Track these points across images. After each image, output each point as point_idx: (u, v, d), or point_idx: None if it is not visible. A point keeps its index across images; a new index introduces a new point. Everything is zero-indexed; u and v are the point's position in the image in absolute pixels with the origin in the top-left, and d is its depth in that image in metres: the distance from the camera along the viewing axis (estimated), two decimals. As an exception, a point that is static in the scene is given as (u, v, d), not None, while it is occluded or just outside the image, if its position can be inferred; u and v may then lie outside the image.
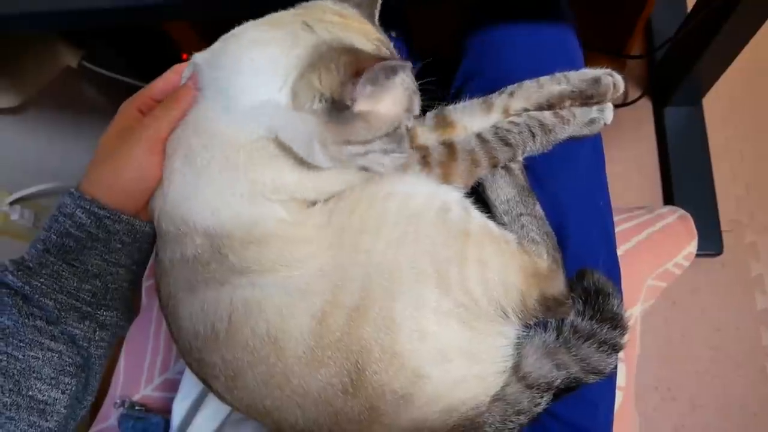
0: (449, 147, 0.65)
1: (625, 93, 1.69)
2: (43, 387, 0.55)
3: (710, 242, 1.53)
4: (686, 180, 1.58)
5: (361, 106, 0.52)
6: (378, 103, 0.54)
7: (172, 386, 0.86)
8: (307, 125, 0.53)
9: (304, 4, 0.59)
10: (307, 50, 0.53)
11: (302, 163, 0.56)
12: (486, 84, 0.71)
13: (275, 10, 0.58)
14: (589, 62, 0.72)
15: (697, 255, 0.98)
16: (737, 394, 1.47)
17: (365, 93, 0.52)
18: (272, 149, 0.56)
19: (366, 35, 0.56)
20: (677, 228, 0.94)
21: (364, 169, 0.59)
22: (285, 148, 0.55)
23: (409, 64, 0.50)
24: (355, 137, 0.54)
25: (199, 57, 0.60)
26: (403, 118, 0.56)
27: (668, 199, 1.59)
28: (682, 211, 0.97)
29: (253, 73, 0.54)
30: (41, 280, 0.56)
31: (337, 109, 0.52)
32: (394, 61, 0.49)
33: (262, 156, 0.56)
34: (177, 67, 0.62)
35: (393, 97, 0.55)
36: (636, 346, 0.88)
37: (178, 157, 0.58)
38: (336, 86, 0.51)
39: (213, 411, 0.76)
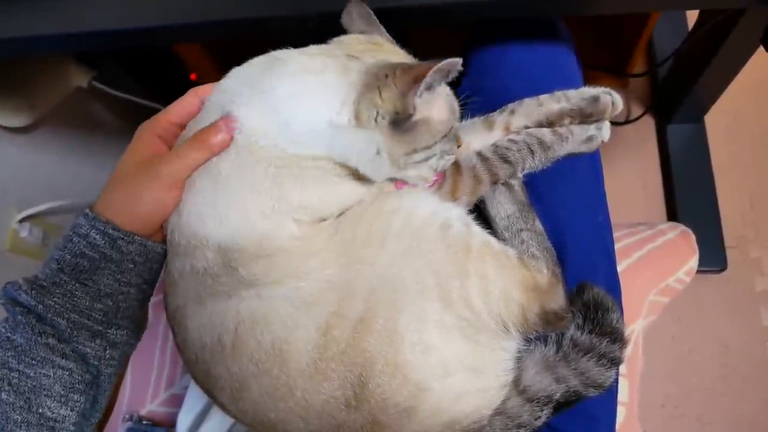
0: (454, 164, 0.67)
1: (628, 110, 1.70)
2: (53, 405, 0.55)
3: (715, 258, 1.53)
4: (690, 196, 1.59)
5: (419, 114, 0.56)
6: (431, 109, 0.58)
7: (177, 401, 0.86)
8: (373, 142, 0.56)
9: (336, 39, 0.63)
10: (359, 75, 0.56)
11: (329, 180, 0.59)
12: (485, 102, 0.72)
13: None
14: (591, 80, 0.73)
15: (702, 271, 0.99)
16: (746, 411, 1.46)
17: (422, 100, 0.55)
18: (304, 165, 0.58)
19: (402, 56, 0.62)
20: (678, 243, 0.95)
21: (421, 179, 0.63)
22: (336, 167, 0.58)
23: (458, 61, 0.53)
24: (420, 143, 0.58)
25: (229, 83, 0.61)
26: (452, 120, 0.60)
27: (672, 215, 1.60)
28: (683, 227, 0.98)
29: (310, 97, 0.57)
30: (55, 299, 0.56)
31: (400, 121, 0.56)
32: (448, 60, 0.52)
33: (293, 175, 0.58)
34: (196, 90, 0.63)
35: (441, 102, 0.59)
36: (639, 362, 0.88)
37: (199, 176, 0.59)
38: (397, 98, 0.54)
39: (217, 423, 0.76)
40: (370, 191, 0.62)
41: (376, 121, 0.55)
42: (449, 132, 0.60)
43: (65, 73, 1.34)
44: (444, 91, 0.60)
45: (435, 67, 0.52)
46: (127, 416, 0.88)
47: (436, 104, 0.58)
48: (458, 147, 0.64)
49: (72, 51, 1.24)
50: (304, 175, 0.58)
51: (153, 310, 0.95)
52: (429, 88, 0.55)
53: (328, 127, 0.56)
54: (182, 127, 0.63)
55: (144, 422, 0.87)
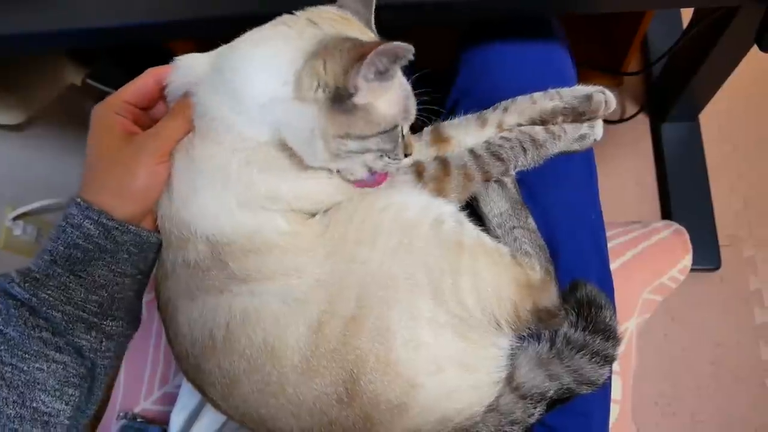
0: (443, 163, 0.66)
1: (622, 109, 1.71)
2: (47, 399, 0.54)
3: (708, 257, 1.54)
4: (684, 195, 1.59)
5: (362, 98, 0.53)
6: (378, 97, 0.55)
7: (171, 399, 0.86)
8: (309, 117, 0.54)
9: (308, 8, 0.60)
10: (312, 42, 0.54)
11: (297, 171, 0.58)
12: (478, 100, 0.72)
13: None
14: (586, 79, 0.73)
15: (695, 270, 0.99)
16: (738, 409, 1.46)
17: (368, 80, 0.53)
18: (272, 154, 0.57)
19: (368, 36, 0.59)
20: (672, 242, 0.95)
21: (350, 174, 0.60)
22: (285, 151, 0.56)
23: (410, 47, 0.51)
24: (355, 130, 0.55)
25: (190, 60, 0.60)
26: (399, 119, 0.57)
27: (666, 214, 1.60)
28: (677, 225, 0.98)
29: (259, 68, 0.55)
30: (48, 291, 0.55)
31: (340, 99, 0.53)
32: (396, 43, 0.50)
33: (258, 162, 0.57)
34: (152, 70, 0.62)
35: (391, 95, 0.56)
36: (632, 359, 0.88)
37: (182, 166, 0.58)
38: (340, 72, 0.52)
39: (209, 421, 0.76)
40: (348, 186, 0.61)
41: (315, 92, 0.53)
42: (392, 130, 0.57)
43: (58, 70, 1.33)
44: (401, 88, 0.57)
45: (381, 47, 0.49)
46: (121, 414, 0.88)
47: (386, 96, 0.55)
48: (407, 155, 0.61)
49: (65, 48, 1.24)
50: (269, 163, 0.57)
51: (146, 308, 0.94)
52: (381, 73, 0.53)
53: (271, 102, 0.54)
54: (138, 107, 0.61)
55: (138, 420, 0.87)
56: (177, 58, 0.61)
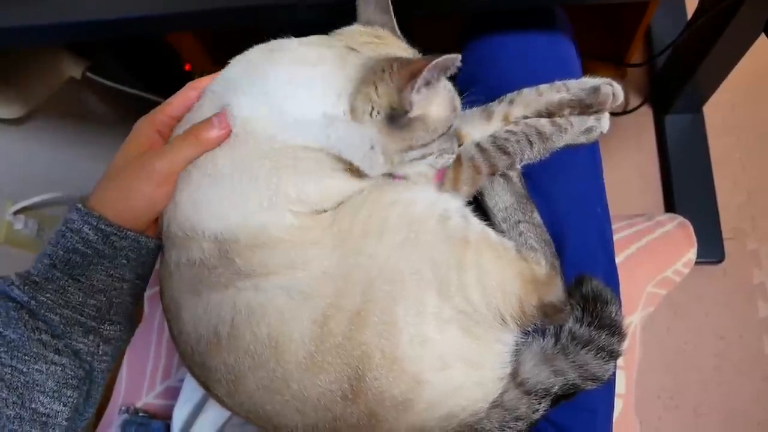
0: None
1: (626, 101, 1.70)
2: (45, 400, 0.55)
3: (712, 250, 1.53)
4: (687, 187, 1.59)
5: (416, 110, 0.55)
6: (430, 105, 0.57)
7: (173, 394, 0.86)
8: (367, 137, 0.56)
9: (337, 30, 0.62)
10: (357, 67, 0.55)
11: (324, 173, 0.59)
12: (483, 92, 0.72)
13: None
14: (589, 70, 0.72)
15: (699, 263, 0.98)
16: (741, 403, 1.46)
17: (420, 96, 0.54)
18: (302, 158, 0.57)
19: (404, 50, 0.60)
20: (676, 235, 0.95)
21: (421, 176, 0.63)
22: (333, 158, 0.58)
23: (457, 57, 0.52)
24: (416, 141, 0.57)
25: (228, 72, 0.61)
26: (452, 118, 0.59)
27: (669, 206, 1.60)
28: (681, 219, 0.98)
29: (305, 87, 0.56)
30: (47, 295, 0.56)
31: (396, 117, 0.55)
32: (445, 56, 0.51)
33: (288, 166, 0.57)
34: (195, 83, 0.62)
35: (441, 99, 0.58)
36: (636, 353, 0.88)
37: (195, 168, 0.58)
38: (394, 94, 0.53)
39: (213, 416, 0.76)
40: (369, 184, 0.62)
41: (371, 116, 0.55)
42: (448, 130, 0.59)
43: (58, 64, 1.33)
44: (444, 87, 0.59)
45: (432, 63, 0.51)
46: (123, 409, 0.88)
47: (436, 101, 0.57)
48: (460, 146, 0.63)
49: (65, 41, 1.23)
50: (299, 166, 0.57)
51: (149, 302, 0.94)
52: (427, 84, 0.54)
53: (323, 118, 0.56)
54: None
55: (140, 414, 0.87)
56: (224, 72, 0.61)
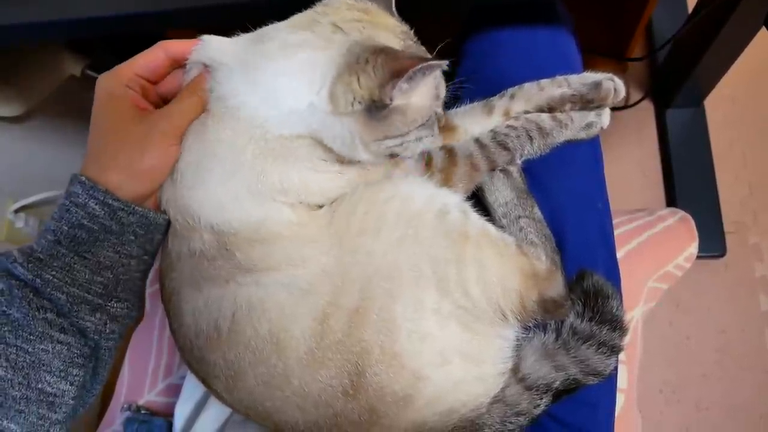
0: (449, 152, 0.66)
1: (627, 95, 1.69)
2: (52, 380, 0.53)
3: (713, 244, 1.53)
4: (689, 182, 1.58)
5: (397, 102, 0.54)
6: (411, 96, 0.55)
7: (175, 391, 0.86)
8: (347, 126, 0.55)
9: (324, 2, 0.59)
10: (341, 52, 0.54)
11: (311, 164, 0.58)
12: (483, 86, 0.72)
13: (275, 17, 0.59)
14: (589, 64, 0.72)
15: (701, 257, 0.98)
16: (743, 397, 1.46)
17: (402, 91, 0.53)
18: (288, 146, 0.57)
19: (392, 30, 0.58)
20: (678, 229, 0.94)
21: (393, 156, 0.60)
22: (321, 147, 0.57)
23: (445, 63, 0.51)
24: (393, 131, 0.56)
25: (215, 42, 0.59)
26: (434, 108, 0.58)
27: (671, 201, 1.59)
28: (682, 213, 0.97)
29: (290, 76, 0.55)
30: (53, 272, 0.54)
31: (375, 108, 0.53)
32: (432, 62, 0.50)
33: (273, 152, 0.56)
34: (163, 43, 0.60)
35: (424, 89, 0.56)
36: (638, 348, 0.88)
37: (191, 150, 0.58)
38: (375, 88, 0.52)
39: (215, 413, 0.76)
40: (360, 175, 0.61)
41: (352, 106, 0.53)
42: (429, 119, 0.57)
43: (58, 62, 1.33)
44: (431, 79, 0.57)
45: (418, 66, 0.50)
46: (125, 406, 0.88)
47: (418, 91, 0.55)
48: (440, 127, 0.61)
49: (65, 38, 1.23)
50: (286, 153, 0.57)
51: (150, 299, 0.94)
52: (410, 81, 0.53)
53: (308, 107, 0.55)
54: (148, 81, 0.60)
55: (142, 412, 0.87)
56: (202, 36, 0.60)
